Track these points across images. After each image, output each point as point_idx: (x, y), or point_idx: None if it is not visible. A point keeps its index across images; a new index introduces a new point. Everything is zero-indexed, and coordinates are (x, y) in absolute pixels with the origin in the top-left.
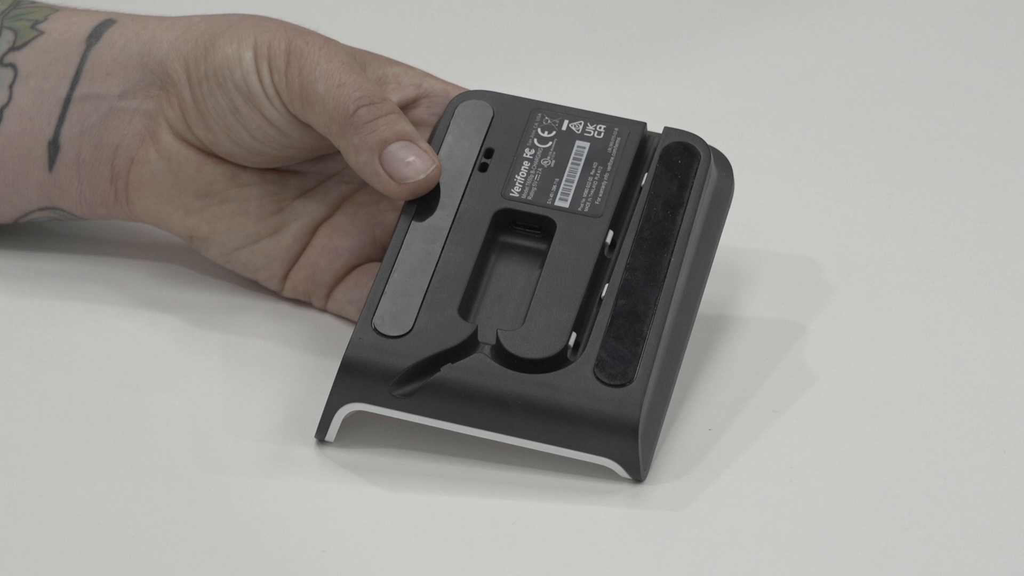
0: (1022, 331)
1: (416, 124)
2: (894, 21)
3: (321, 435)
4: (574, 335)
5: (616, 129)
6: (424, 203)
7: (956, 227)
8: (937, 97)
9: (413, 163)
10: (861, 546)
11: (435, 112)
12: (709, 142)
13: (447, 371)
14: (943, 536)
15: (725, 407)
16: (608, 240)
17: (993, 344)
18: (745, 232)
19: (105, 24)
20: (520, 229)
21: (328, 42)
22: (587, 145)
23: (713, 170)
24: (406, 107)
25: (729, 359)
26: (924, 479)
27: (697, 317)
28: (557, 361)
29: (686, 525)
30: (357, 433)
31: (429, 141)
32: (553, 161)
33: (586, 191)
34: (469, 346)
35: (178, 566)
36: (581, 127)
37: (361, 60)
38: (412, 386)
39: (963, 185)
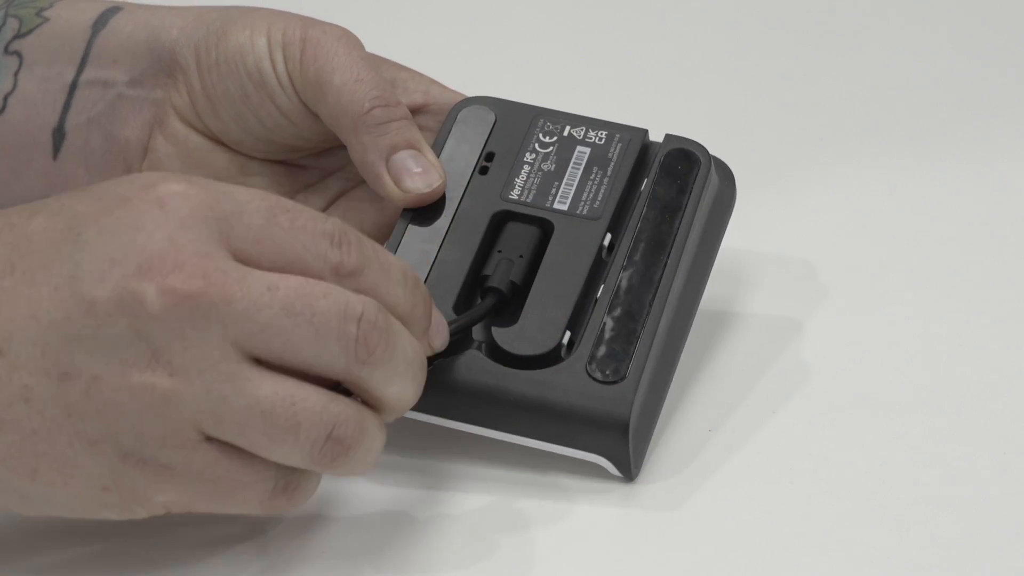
0: (1022, 331)
1: (421, 131)
2: (895, 21)
3: None
4: (568, 333)
5: (617, 136)
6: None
7: (956, 227)
8: (937, 97)
9: (418, 174)
10: (860, 546)
11: (440, 121)
12: (711, 150)
13: (440, 366)
14: (943, 536)
15: (723, 407)
16: (605, 243)
17: (993, 344)
18: (744, 233)
19: (111, 11)
20: None
21: (345, 34)
22: (588, 150)
23: (714, 177)
24: (413, 113)
25: (728, 358)
26: (924, 479)
27: (697, 316)
28: (550, 358)
29: (680, 525)
30: None
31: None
32: (553, 165)
33: (585, 194)
34: (463, 342)
35: (178, 566)
36: (583, 133)
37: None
38: None
39: (963, 186)
